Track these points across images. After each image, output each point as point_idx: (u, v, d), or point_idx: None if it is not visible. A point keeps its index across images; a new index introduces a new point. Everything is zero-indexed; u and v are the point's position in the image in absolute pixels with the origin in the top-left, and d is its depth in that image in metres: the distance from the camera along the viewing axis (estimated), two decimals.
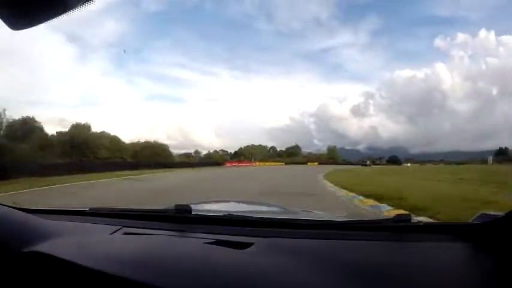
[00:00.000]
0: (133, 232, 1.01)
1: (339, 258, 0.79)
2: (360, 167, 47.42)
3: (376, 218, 1.08)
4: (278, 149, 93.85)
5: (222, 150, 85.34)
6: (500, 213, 0.83)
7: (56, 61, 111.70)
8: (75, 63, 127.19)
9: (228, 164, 52.32)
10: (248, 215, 1.15)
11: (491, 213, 0.89)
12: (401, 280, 0.67)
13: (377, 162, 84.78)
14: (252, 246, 0.83)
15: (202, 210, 1.27)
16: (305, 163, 68.02)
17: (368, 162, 64.84)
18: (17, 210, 1.01)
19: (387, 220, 0.99)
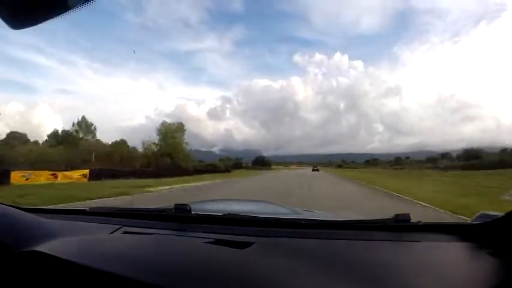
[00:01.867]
0: (133, 231, 1.00)
1: (339, 258, 0.78)
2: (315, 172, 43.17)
3: (376, 218, 1.05)
4: None
5: None
6: (500, 214, 0.83)
7: None
8: None
9: None
10: (248, 214, 1.13)
11: (491, 213, 0.89)
12: (402, 280, 0.67)
13: (243, 165, 76.15)
14: (252, 246, 0.82)
15: (202, 210, 1.23)
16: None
17: (318, 167, 61.75)
18: (17, 210, 0.98)
19: (387, 220, 0.98)
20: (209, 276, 0.64)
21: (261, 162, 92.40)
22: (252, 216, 1.09)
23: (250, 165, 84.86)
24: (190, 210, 1.09)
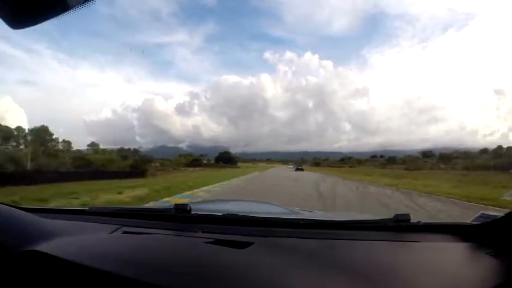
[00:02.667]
0: (133, 231, 1.00)
1: (339, 258, 0.79)
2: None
3: (376, 218, 1.05)
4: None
5: None
6: (500, 214, 0.84)
7: None
8: None
9: None
10: (248, 214, 1.14)
11: (491, 213, 0.91)
12: (401, 280, 0.67)
13: (204, 161, 68.88)
14: (251, 246, 0.83)
15: (202, 210, 1.23)
16: None
17: (301, 166, 56.24)
18: (17, 210, 0.99)
19: (387, 220, 0.99)
20: (209, 276, 0.65)
21: (225, 159, 76.77)
22: (252, 216, 1.09)
23: (213, 162, 68.59)
24: (190, 210, 1.09)
